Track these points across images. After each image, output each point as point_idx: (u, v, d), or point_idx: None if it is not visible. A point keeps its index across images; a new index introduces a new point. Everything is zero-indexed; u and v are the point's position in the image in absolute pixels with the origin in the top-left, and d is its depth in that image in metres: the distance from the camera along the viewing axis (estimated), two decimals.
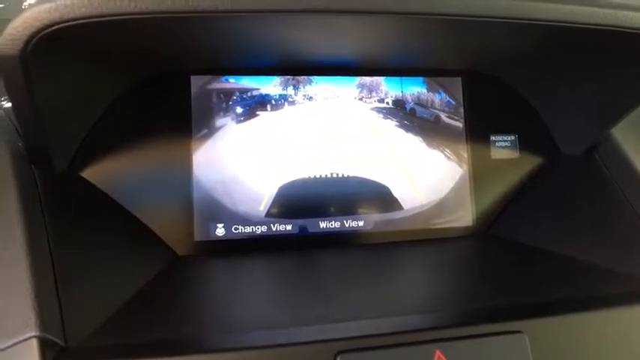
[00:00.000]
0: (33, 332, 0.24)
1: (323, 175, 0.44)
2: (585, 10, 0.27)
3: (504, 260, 0.39)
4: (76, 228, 0.32)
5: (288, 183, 0.42)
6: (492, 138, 0.48)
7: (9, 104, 0.40)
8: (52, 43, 0.25)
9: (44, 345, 0.23)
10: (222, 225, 0.41)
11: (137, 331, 0.26)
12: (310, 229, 0.43)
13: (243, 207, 0.42)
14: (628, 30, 0.28)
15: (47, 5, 0.22)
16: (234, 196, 0.42)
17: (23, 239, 0.27)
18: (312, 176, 0.43)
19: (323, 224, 0.43)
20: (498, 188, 0.48)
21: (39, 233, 0.28)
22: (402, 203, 0.45)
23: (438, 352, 0.24)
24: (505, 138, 0.48)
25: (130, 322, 0.27)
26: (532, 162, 0.48)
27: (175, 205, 0.40)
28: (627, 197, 0.39)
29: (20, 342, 0.24)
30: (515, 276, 0.35)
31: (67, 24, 0.23)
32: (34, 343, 0.24)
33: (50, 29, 0.23)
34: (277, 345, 0.23)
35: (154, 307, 0.29)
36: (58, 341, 0.24)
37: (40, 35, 0.24)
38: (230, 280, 0.34)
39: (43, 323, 0.24)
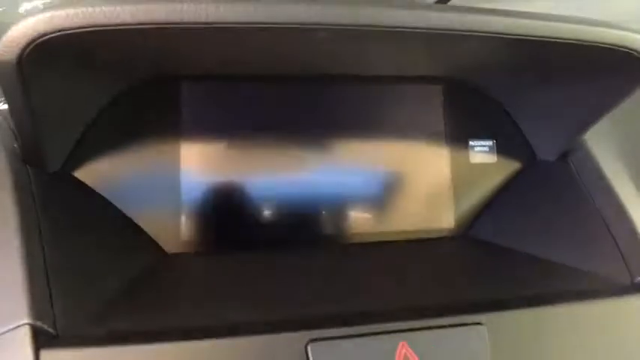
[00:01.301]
0: (25, 320, 0.25)
1: (310, 180, 0.45)
2: (540, 24, 0.29)
3: (478, 260, 0.41)
4: (68, 224, 0.34)
5: (277, 187, 0.44)
6: (471, 143, 0.50)
7: (5, 106, 0.42)
8: (48, 49, 0.27)
9: (36, 332, 0.25)
10: (210, 224, 0.43)
11: (124, 322, 0.28)
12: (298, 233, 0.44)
13: (230, 209, 0.44)
14: (586, 44, 0.30)
15: (44, 15, 0.24)
16: (222, 198, 0.44)
17: (17, 233, 0.29)
18: (301, 181, 0.45)
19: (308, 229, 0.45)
20: (477, 191, 0.50)
21: (32, 228, 0.30)
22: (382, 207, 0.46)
23: (402, 342, 0.26)
24: (483, 143, 0.50)
25: (116, 314, 0.29)
26: (509, 166, 0.50)
27: (164, 205, 0.42)
28: (595, 202, 0.41)
29: (12, 329, 0.25)
30: (486, 274, 0.37)
31: (61, 33, 0.24)
32: (27, 330, 0.25)
33: (46, 37, 0.25)
34: (251, 333, 0.25)
35: (139, 301, 0.31)
36: (50, 329, 0.26)
37: (36, 42, 0.26)
38: (212, 275, 0.36)
39: (35, 312, 0.26)
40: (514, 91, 0.48)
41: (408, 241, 0.45)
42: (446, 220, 0.48)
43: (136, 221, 0.41)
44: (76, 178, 0.40)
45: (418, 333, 0.26)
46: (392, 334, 0.26)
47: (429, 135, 0.48)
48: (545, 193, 0.47)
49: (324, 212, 0.45)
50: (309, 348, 0.25)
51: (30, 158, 0.34)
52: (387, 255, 0.42)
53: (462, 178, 0.49)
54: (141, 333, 0.26)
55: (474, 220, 0.49)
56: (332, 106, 0.46)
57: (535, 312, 0.28)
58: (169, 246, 0.42)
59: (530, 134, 0.50)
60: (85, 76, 0.35)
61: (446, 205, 0.48)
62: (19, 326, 0.25)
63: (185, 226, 0.42)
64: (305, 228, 0.44)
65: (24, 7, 0.55)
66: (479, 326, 0.27)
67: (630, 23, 0.36)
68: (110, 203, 0.41)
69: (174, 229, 0.42)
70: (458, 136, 0.49)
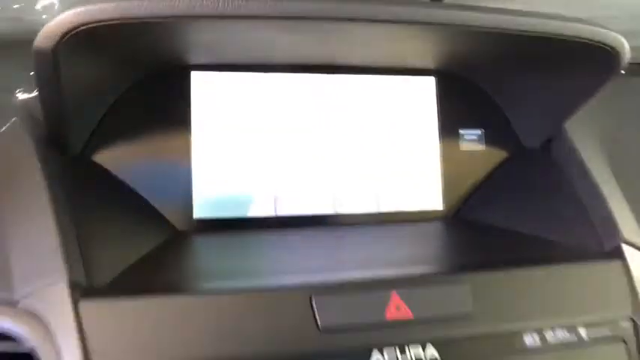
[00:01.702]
0: (64, 276, 0.29)
1: (310, 165, 0.49)
2: (521, 19, 0.33)
3: (464, 235, 0.44)
4: (88, 202, 0.38)
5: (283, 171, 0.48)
6: (461, 132, 0.54)
7: (24, 96, 0.45)
8: (79, 40, 0.30)
9: (73, 286, 0.29)
10: (220, 205, 0.47)
11: (148, 280, 0.31)
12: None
13: (241, 191, 0.47)
14: (564, 38, 0.34)
15: (81, 8, 0.28)
16: (232, 180, 0.47)
17: (48, 205, 0.32)
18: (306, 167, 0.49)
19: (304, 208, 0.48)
20: (466, 177, 0.53)
21: (60, 203, 0.33)
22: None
23: (394, 292, 0.30)
24: (472, 132, 0.54)
25: (140, 274, 0.32)
26: (496, 153, 0.54)
27: (176, 186, 0.45)
28: (573, 185, 0.45)
29: (52, 284, 0.29)
30: (471, 245, 0.40)
31: (96, 24, 0.28)
32: (65, 284, 0.29)
33: (81, 29, 0.29)
34: (260, 290, 0.29)
35: (154, 269, 0.35)
36: (83, 283, 0.29)
37: (71, 33, 0.29)
38: (223, 249, 0.40)
39: (71, 269, 0.29)
40: (501, 82, 0.51)
41: (400, 221, 0.49)
42: (436, 202, 0.51)
43: (150, 201, 0.44)
44: (94, 162, 0.44)
45: (408, 286, 0.30)
46: (385, 287, 0.29)
47: (421, 124, 0.52)
48: (528, 178, 0.50)
49: (324, 195, 0.48)
50: (313, 299, 0.29)
51: (53, 143, 0.37)
52: (380, 233, 0.46)
53: (451, 165, 0.52)
54: (167, 287, 0.30)
55: (462, 204, 0.52)
56: (336, 94, 0.50)
57: (514, 273, 0.32)
58: (181, 225, 0.45)
59: (516, 123, 0.53)
60: (106, 65, 0.39)
61: (436, 189, 0.52)
62: (58, 281, 0.29)
63: (197, 206, 0.46)
64: (306, 208, 0.48)
65: (41, 4, 0.58)
66: (462, 281, 0.30)
67: (616, 20, 0.40)
68: (125, 184, 0.44)
69: (186, 208, 0.45)
70: (449, 125, 0.53)
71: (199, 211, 0.46)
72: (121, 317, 0.28)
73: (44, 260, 0.30)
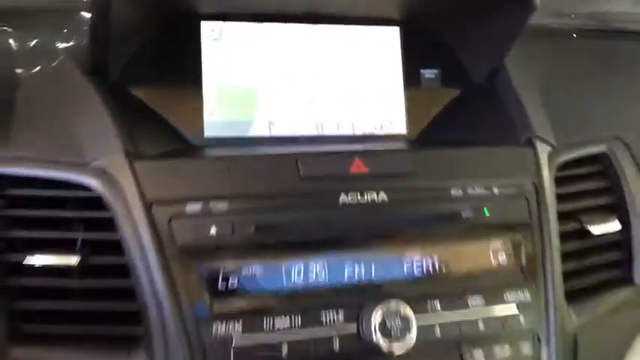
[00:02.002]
0: (120, 145, 0.41)
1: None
2: None
3: (419, 144, 0.57)
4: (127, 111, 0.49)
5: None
6: (422, 71, 0.66)
7: (64, 45, 0.57)
8: None
9: (127, 152, 0.41)
10: (226, 127, 0.58)
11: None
12: None
13: (243, 116, 0.59)
14: None
15: None
16: (236, 107, 0.59)
17: (104, 104, 0.44)
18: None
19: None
20: (426, 108, 0.65)
21: (111, 103, 0.45)
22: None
23: (357, 158, 0.42)
24: (431, 71, 0.66)
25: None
26: (451, 88, 0.65)
27: (191, 111, 0.57)
28: (508, 107, 0.56)
29: (113, 152, 0.41)
30: (423, 144, 0.53)
31: None
32: (122, 151, 0.41)
33: None
34: (263, 155, 0.41)
35: (181, 153, 0.46)
36: (133, 151, 0.41)
37: None
38: (230, 151, 0.52)
39: (125, 142, 0.41)
40: (453, 27, 0.63)
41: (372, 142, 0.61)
42: (401, 128, 0.63)
43: (169, 121, 0.56)
44: (126, 87, 0.55)
45: (368, 154, 0.42)
46: (350, 154, 0.42)
47: (388, 65, 0.64)
48: (476, 105, 0.62)
49: (310, 120, 0.60)
50: (298, 161, 0.41)
51: (99, 70, 0.49)
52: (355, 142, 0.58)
53: (413, 99, 0.64)
54: (194, 154, 0.42)
55: (422, 129, 0.64)
56: (318, 40, 0.62)
57: (448, 150, 0.44)
58: (195, 141, 0.56)
59: (466, 62, 0.65)
60: (139, 8, 0.51)
61: (401, 118, 0.64)
62: (117, 149, 0.41)
63: (207, 127, 0.57)
64: (294, 130, 0.60)
65: None
66: (407, 151, 0.43)
67: None
68: (152, 109, 0.55)
69: (198, 129, 0.57)
70: (411, 66, 0.65)
71: (209, 131, 0.58)
72: (163, 172, 0.40)
73: (106, 138, 0.42)
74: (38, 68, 0.52)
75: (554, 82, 0.62)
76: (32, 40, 0.57)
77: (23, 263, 0.38)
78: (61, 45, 0.57)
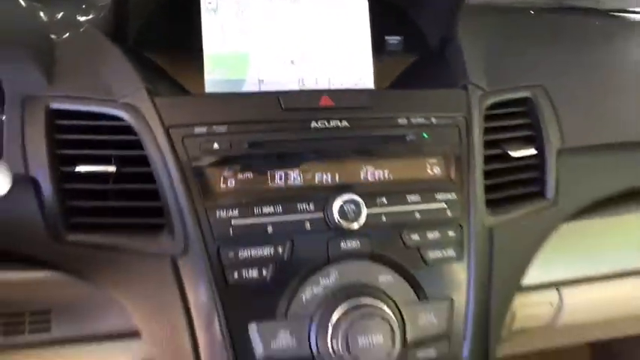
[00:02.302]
0: (142, 86, 0.54)
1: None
2: None
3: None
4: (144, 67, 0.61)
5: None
6: (387, 38, 0.78)
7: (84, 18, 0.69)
8: None
9: (149, 90, 0.53)
10: (223, 85, 0.71)
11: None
12: None
13: (236, 76, 0.71)
14: None
15: None
16: (232, 68, 0.71)
17: (125, 55, 0.56)
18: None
19: None
20: (390, 69, 0.77)
21: (132, 55, 0.57)
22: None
23: (325, 95, 0.55)
24: (394, 38, 0.79)
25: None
26: (411, 53, 0.78)
27: (193, 70, 0.69)
28: (453, 66, 0.69)
29: (134, 91, 0.53)
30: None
31: None
32: (144, 90, 0.53)
33: None
34: (253, 93, 0.54)
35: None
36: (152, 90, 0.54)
37: None
38: None
39: (146, 83, 0.54)
40: None
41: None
42: (368, 84, 0.76)
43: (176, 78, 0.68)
44: (140, 50, 0.68)
45: (334, 92, 0.55)
46: (320, 92, 0.55)
47: (358, 32, 0.77)
48: (432, 66, 0.75)
49: (293, 78, 0.73)
50: (280, 98, 0.54)
51: (118, 35, 0.61)
52: None
53: (380, 62, 0.76)
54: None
55: (386, 86, 0.76)
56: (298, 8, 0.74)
57: (395, 90, 0.57)
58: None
59: (424, 30, 0.78)
60: None
61: (369, 77, 0.76)
62: (140, 88, 0.53)
63: (207, 83, 0.70)
64: (280, 87, 0.72)
65: None
66: (364, 92, 0.56)
67: None
68: (162, 68, 0.68)
69: (201, 83, 0.69)
70: (377, 33, 0.77)
71: (209, 88, 0.70)
72: (177, 105, 0.53)
73: (131, 80, 0.54)
74: (67, 34, 0.64)
75: (497, 45, 0.74)
76: (59, 14, 0.70)
77: (75, 171, 0.51)
78: (82, 18, 0.70)
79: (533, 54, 0.72)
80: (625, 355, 1.41)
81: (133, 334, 0.51)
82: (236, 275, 0.49)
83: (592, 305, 0.67)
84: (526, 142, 0.62)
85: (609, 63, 0.75)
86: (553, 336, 0.86)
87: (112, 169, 0.51)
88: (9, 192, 0.49)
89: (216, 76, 0.72)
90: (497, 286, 0.55)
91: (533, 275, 0.61)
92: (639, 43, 0.82)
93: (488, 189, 0.58)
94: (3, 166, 0.40)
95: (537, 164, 0.62)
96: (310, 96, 0.56)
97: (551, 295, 0.64)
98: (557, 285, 0.63)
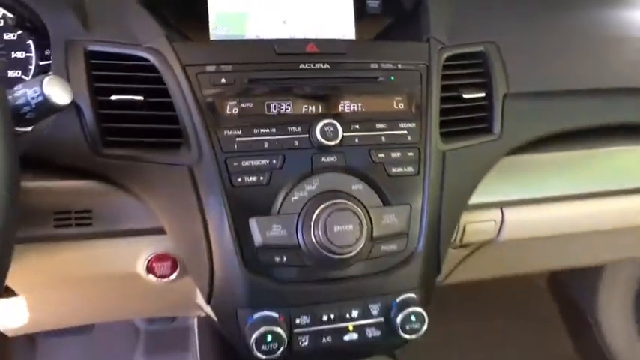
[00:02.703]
0: (162, 34, 0.66)
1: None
2: None
3: None
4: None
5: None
6: (367, 2, 0.90)
7: None
8: None
9: (169, 39, 0.66)
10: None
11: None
12: None
13: (237, 34, 0.84)
14: None
15: None
16: (232, 27, 0.84)
17: (149, 13, 0.69)
18: None
19: None
20: (370, 29, 0.89)
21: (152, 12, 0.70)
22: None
23: (311, 43, 0.68)
24: (374, 2, 0.91)
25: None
26: (389, 15, 0.90)
27: (199, 29, 0.81)
28: (420, 23, 0.81)
29: (156, 36, 0.66)
30: None
31: None
32: (164, 37, 0.66)
33: None
34: (247, 41, 0.67)
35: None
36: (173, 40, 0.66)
37: None
38: None
39: (165, 32, 0.66)
40: None
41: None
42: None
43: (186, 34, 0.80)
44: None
45: (319, 41, 0.68)
46: (307, 41, 0.67)
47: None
48: (403, 26, 0.87)
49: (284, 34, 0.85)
50: (274, 44, 0.67)
51: None
52: None
53: (361, 23, 0.85)
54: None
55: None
56: None
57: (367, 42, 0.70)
58: None
59: None
60: None
61: (351, 37, 0.89)
62: (160, 35, 0.66)
63: (212, 36, 0.82)
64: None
65: None
66: (343, 42, 0.69)
67: None
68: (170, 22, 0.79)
69: (207, 38, 0.82)
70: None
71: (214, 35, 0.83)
72: (192, 48, 0.66)
73: (152, 28, 0.67)
74: None
75: (461, 6, 0.84)
76: None
77: (110, 99, 0.64)
78: None
79: (491, 14, 0.85)
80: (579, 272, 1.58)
81: (158, 231, 0.65)
82: (239, 180, 0.62)
83: (530, 223, 0.81)
84: (478, 87, 0.76)
85: (558, 26, 0.88)
86: (504, 265, 1.01)
87: (139, 98, 0.64)
88: (58, 116, 0.62)
89: (219, 32, 0.84)
90: (447, 199, 0.69)
91: (480, 197, 0.76)
92: (593, 8, 0.93)
93: (444, 123, 0.71)
94: (65, 81, 0.53)
95: (486, 105, 0.76)
96: (299, 43, 0.69)
97: (495, 214, 0.79)
98: (500, 205, 0.78)
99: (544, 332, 1.72)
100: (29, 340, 1.42)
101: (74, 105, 0.62)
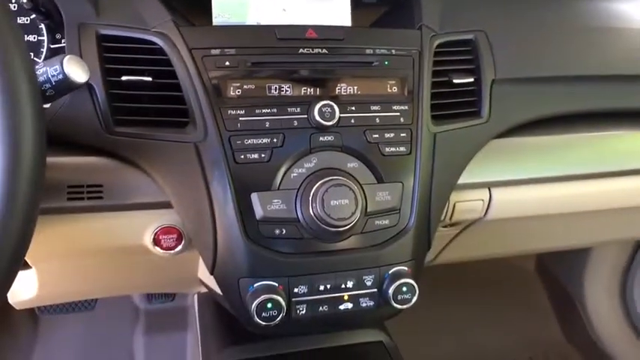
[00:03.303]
0: (169, 17, 0.70)
1: None
2: None
3: None
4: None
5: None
6: None
7: None
8: None
9: (175, 24, 0.70)
10: None
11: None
12: None
13: (239, 21, 0.88)
14: None
15: None
16: (234, 15, 0.87)
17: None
18: None
19: None
20: (366, 17, 0.93)
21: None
22: None
23: (310, 29, 0.72)
24: None
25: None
26: (384, 4, 0.94)
27: (201, 14, 0.84)
28: (414, 12, 0.85)
29: (165, 21, 0.70)
30: None
31: None
32: (172, 21, 0.70)
33: None
34: (249, 26, 0.71)
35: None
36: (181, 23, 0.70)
37: None
38: None
39: (172, 15, 0.70)
40: None
41: None
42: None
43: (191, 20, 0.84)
44: None
45: (317, 27, 0.72)
46: (306, 27, 0.71)
47: None
48: (397, 14, 0.91)
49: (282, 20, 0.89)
50: (275, 30, 0.71)
51: None
52: None
53: (358, 13, 0.84)
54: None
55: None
56: None
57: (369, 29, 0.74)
58: None
59: None
60: None
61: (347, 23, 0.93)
62: (168, 18, 0.70)
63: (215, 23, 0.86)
64: None
65: None
66: (341, 28, 0.73)
67: None
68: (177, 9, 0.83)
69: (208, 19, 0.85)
70: None
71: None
72: (198, 33, 0.70)
73: (160, 13, 0.70)
74: None
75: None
76: None
77: (121, 79, 0.67)
78: None
79: (481, 3, 0.89)
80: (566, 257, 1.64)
81: (165, 205, 0.69)
82: (242, 157, 0.66)
83: (516, 203, 0.86)
84: (467, 73, 0.80)
85: (546, 16, 0.92)
86: (491, 246, 1.06)
87: (147, 79, 0.68)
88: (72, 96, 0.65)
89: (221, 19, 0.88)
90: (437, 178, 0.74)
91: (469, 177, 0.80)
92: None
93: (435, 107, 0.76)
94: (82, 61, 0.57)
95: (475, 90, 0.80)
96: (299, 29, 0.73)
97: (484, 193, 0.83)
98: (488, 185, 0.82)
99: (531, 316, 1.78)
100: (31, 317, 1.46)
101: (87, 85, 0.65)
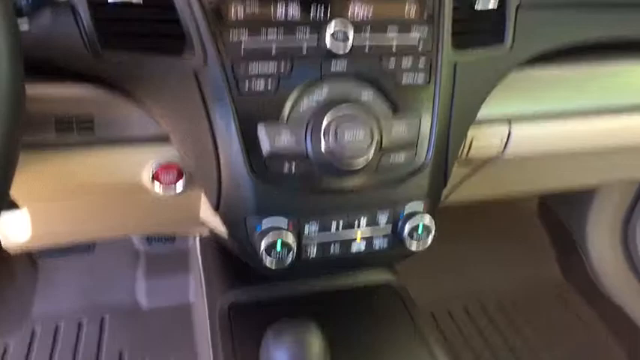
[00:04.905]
0: None
1: None
2: None
3: None
4: None
5: None
6: None
7: None
8: None
9: None
10: None
11: None
12: None
13: None
14: None
15: None
16: None
17: None
18: None
19: None
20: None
21: None
22: None
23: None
24: None
25: None
26: None
27: None
28: None
29: None
30: None
31: None
32: None
33: None
34: None
35: None
36: None
37: None
38: None
39: None
40: None
41: None
42: None
43: None
44: None
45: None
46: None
47: None
48: None
49: None
50: None
51: None
52: None
53: None
54: None
55: None
56: None
57: None
58: None
59: None
60: None
61: None
62: None
63: None
64: None
65: None
66: None
67: None
68: None
69: None
70: None
71: None
72: None
73: None
74: None
75: None
76: None
77: (108, 1, 0.60)
78: None
79: None
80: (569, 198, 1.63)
81: (163, 139, 0.64)
82: (247, 86, 0.60)
83: (536, 140, 0.81)
84: None
85: None
86: (503, 186, 1.02)
87: (137, 1, 0.60)
88: (54, 19, 0.58)
89: None
90: (457, 112, 0.68)
91: (488, 110, 0.75)
92: None
93: (455, 34, 0.69)
94: None
95: (498, 16, 0.73)
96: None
97: (502, 130, 0.78)
98: (507, 119, 0.77)
99: (532, 256, 1.79)
100: (31, 261, 1.43)
101: (70, 6, 0.58)
